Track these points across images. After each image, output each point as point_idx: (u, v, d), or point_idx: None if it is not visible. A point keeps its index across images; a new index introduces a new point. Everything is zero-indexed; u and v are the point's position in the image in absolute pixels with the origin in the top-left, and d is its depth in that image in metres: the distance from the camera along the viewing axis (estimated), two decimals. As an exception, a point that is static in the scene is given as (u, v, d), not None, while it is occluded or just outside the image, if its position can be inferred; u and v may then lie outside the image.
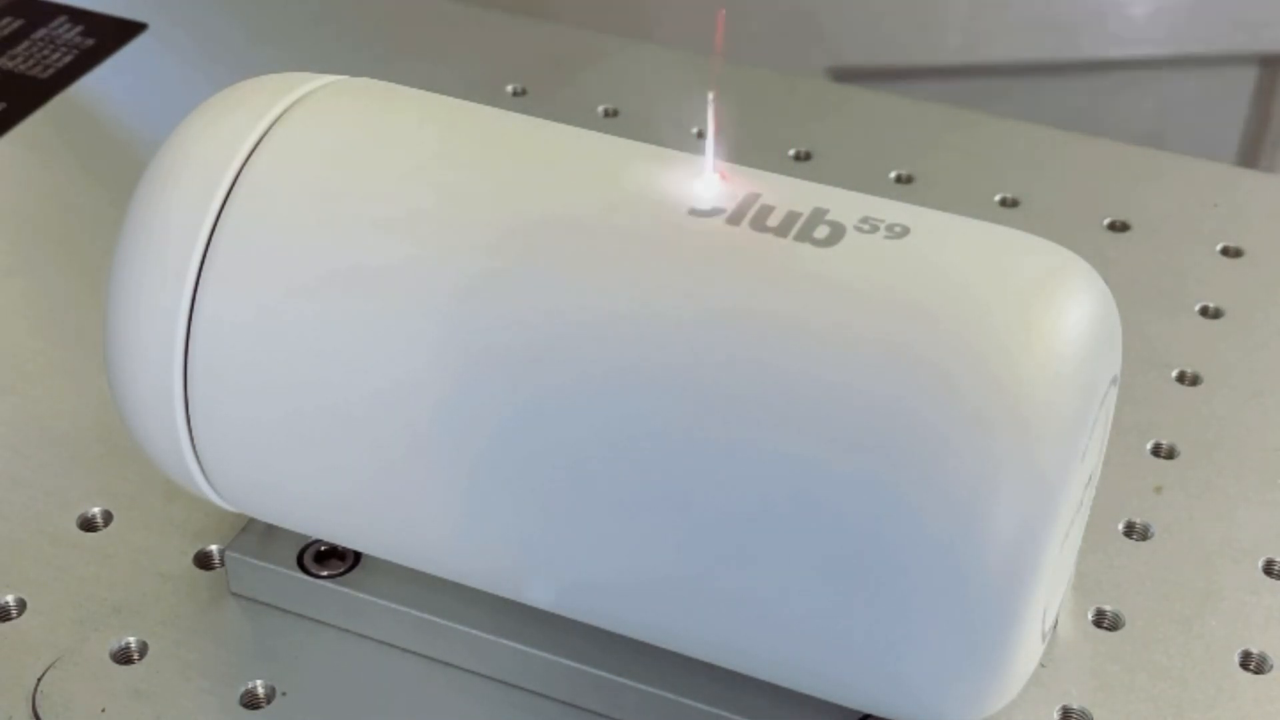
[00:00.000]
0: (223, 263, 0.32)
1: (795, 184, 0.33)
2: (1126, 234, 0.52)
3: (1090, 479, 0.34)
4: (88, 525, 0.40)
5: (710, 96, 0.32)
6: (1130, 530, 0.41)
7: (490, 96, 0.53)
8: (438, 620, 0.36)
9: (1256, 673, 0.37)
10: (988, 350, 0.29)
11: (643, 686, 0.35)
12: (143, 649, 0.37)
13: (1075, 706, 0.36)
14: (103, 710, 0.35)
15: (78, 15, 0.61)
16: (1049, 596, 0.33)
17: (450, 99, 0.36)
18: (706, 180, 0.32)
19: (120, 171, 0.50)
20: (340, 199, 0.32)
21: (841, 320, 0.29)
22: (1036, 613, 0.31)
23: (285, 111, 0.34)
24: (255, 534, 0.38)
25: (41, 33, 0.59)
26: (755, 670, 0.33)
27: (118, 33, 0.60)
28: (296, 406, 0.33)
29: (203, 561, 0.39)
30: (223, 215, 0.33)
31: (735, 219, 0.31)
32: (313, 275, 0.32)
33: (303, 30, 0.62)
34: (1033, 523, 0.29)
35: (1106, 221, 0.52)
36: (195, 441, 0.34)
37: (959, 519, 0.28)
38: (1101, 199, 0.53)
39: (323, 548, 0.37)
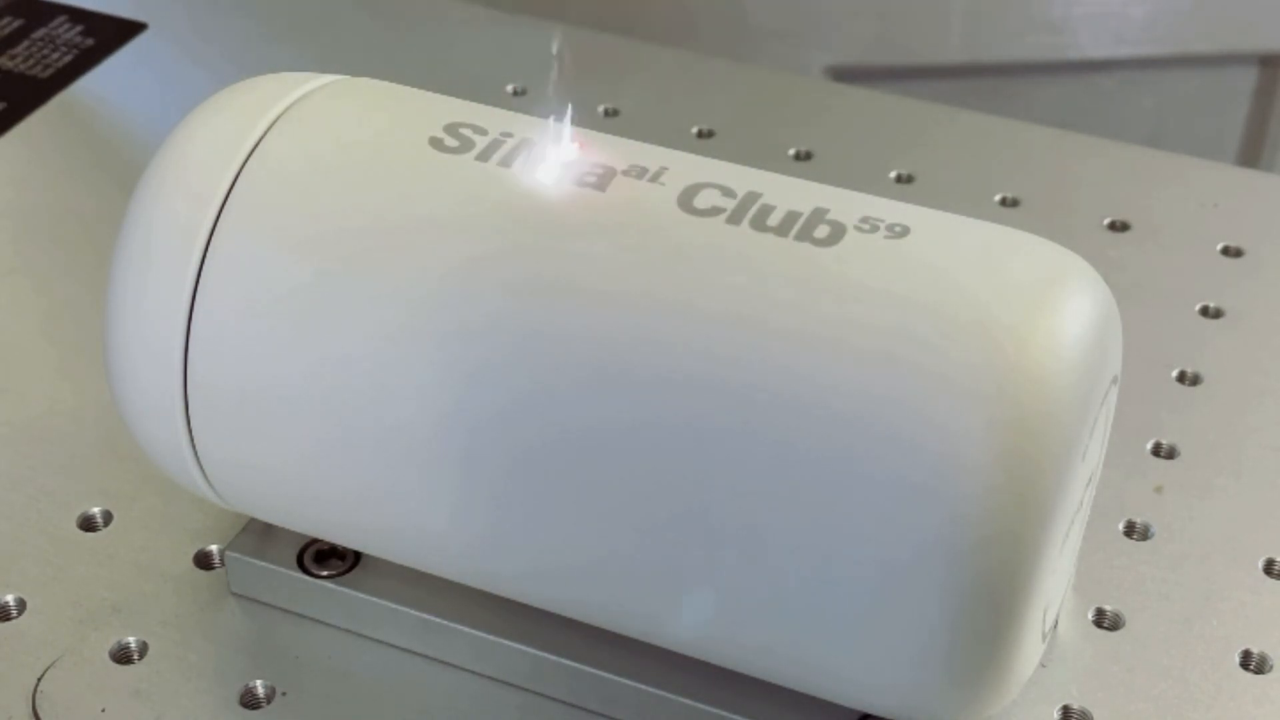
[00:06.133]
0: (222, 262, 0.32)
1: (795, 184, 0.33)
2: (1126, 234, 0.52)
3: (1090, 479, 0.34)
4: (88, 525, 0.40)
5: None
6: (1130, 530, 0.41)
7: (490, 96, 0.53)
8: (438, 620, 0.36)
9: (1256, 673, 0.37)
10: (988, 350, 0.29)
11: (643, 686, 0.35)
12: (143, 649, 0.37)
13: (1075, 706, 0.36)
14: (103, 710, 0.35)
15: (78, 15, 0.61)
16: (1049, 596, 0.33)
17: (450, 99, 0.36)
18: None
19: (120, 171, 0.51)
20: (340, 199, 0.32)
21: (841, 320, 0.29)
22: (1037, 613, 0.31)
23: (285, 111, 0.34)
24: (255, 534, 0.38)
25: (41, 33, 0.59)
26: (755, 669, 0.33)
27: (118, 33, 0.60)
28: (296, 406, 0.33)
29: (203, 561, 0.39)
30: (222, 215, 0.33)
31: (735, 218, 0.31)
32: (311, 275, 0.32)
33: (303, 30, 0.62)
34: (1033, 522, 0.29)
35: (1106, 221, 0.52)
36: (195, 441, 0.34)
37: (959, 518, 0.28)
38: (1101, 199, 0.53)
39: (323, 548, 0.37)
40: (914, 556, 0.29)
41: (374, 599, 0.36)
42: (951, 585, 0.29)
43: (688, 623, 0.32)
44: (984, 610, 0.29)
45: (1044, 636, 0.34)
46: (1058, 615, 0.37)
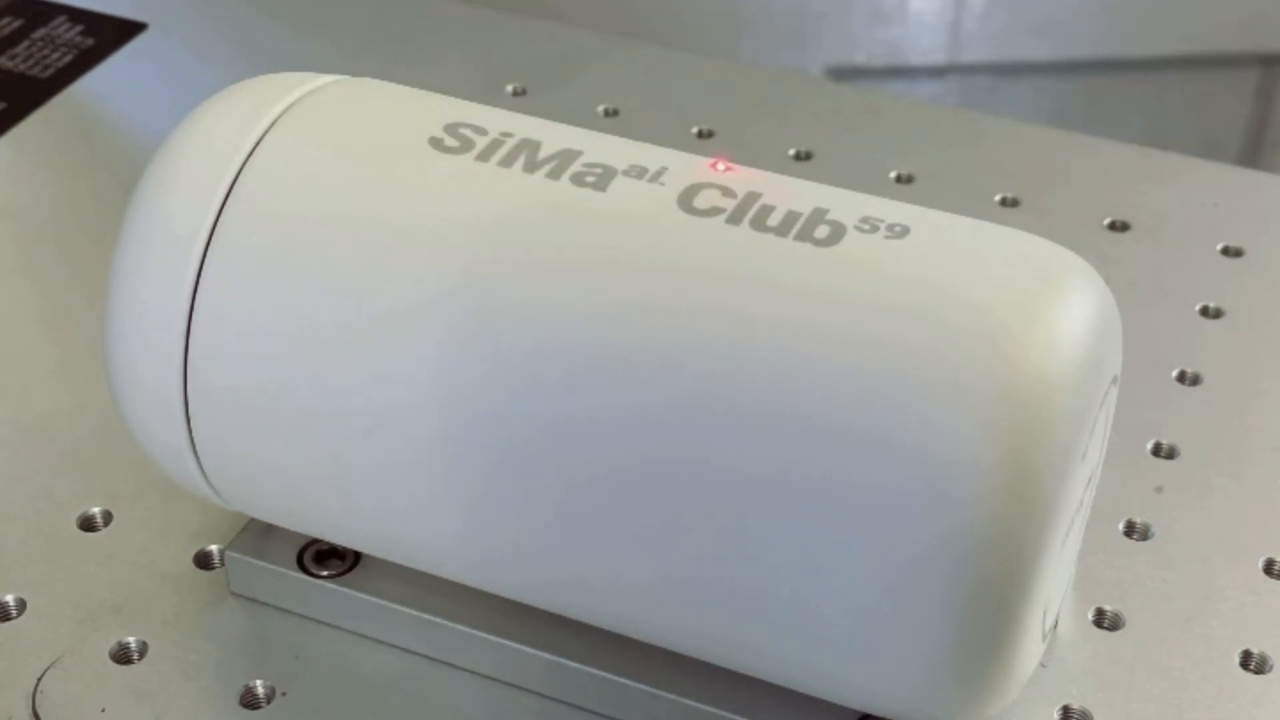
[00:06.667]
0: (222, 262, 0.32)
1: (795, 184, 0.33)
2: (1126, 234, 0.52)
3: (1090, 479, 0.34)
4: (88, 525, 0.40)
5: None
6: (1130, 530, 0.41)
7: (490, 96, 0.53)
8: (438, 620, 0.36)
9: (1256, 673, 0.37)
10: (988, 350, 0.29)
11: (643, 686, 0.35)
12: (143, 649, 0.37)
13: (1075, 706, 0.36)
14: (103, 710, 0.35)
15: (78, 15, 0.61)
16: (1050, 596, 0.33)
17: (451, 99, 0.36)
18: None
19: (120, 172, 0.50)
20: (339, 200, 0.32)
21: (841, 320, 0.29)
22: (1037, 613, 0.31)
23: (285, 112, 0.34)
24: (255, 534, 0.38)
25: (41, 33, 0.59)
26: (755, 669, 0.33)
27: (118, 33, 0.60)
28: (296, 407, 0.33)
29: (203, 561, 0.39)
30: (222, 215, 0.33)
31: (735, 219, 0.31)
32: (311, 275, 0.32)
33: (303, 30, 0.62)
34: (1033, 523, 0.29)
35: (1106, 221, 0.52)
36: (195, 441, 0.34)
37: (960, 518, 0.28)
38: (1101, 199, 0.53)
39: (323, 548, 0.37)
40: (915, 559, 0.29)
41: (374, 599, 0.36)
42: (952, 587, 0.29)
43: (688, 624, 0.32)
44: (985, 611, 0.29)
45: (1044, 636, 0.34)
46: (1058, 615, 0.37)
